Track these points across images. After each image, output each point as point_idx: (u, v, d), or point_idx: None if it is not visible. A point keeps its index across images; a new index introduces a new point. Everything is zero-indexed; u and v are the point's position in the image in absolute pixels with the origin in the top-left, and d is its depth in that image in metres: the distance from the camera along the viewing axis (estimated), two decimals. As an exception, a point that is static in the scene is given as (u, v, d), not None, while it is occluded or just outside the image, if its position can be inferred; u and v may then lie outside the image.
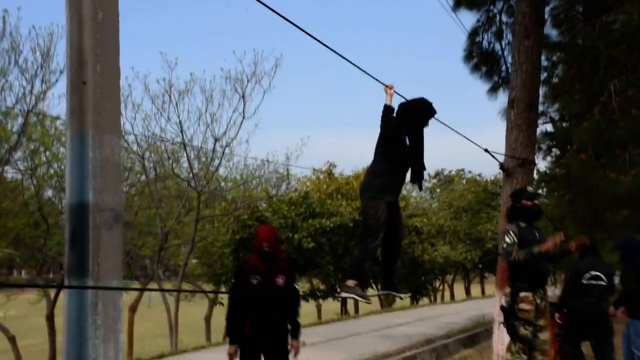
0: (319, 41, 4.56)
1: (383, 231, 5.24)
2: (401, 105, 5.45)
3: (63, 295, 3.11)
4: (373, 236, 5.21)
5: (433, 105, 5.45)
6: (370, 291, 5.81)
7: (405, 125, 5.32)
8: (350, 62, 5.07)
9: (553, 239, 6.15)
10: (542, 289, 6.30)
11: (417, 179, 5.48)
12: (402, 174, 5.40)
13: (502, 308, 6.37)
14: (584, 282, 7.55)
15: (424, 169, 5.52)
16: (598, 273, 7.59)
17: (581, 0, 10.90)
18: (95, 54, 3.15)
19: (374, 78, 5.36)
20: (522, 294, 6.17)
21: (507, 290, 6.32)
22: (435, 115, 5.51)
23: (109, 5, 3.22)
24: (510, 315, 6.21)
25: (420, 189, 5.73)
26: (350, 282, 5.22)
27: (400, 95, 5.52)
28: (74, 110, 3.14)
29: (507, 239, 6.28)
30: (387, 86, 5.41)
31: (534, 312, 6.19)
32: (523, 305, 6.13)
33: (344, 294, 5.21)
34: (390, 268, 5.56)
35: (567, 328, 7.79)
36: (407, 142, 5.33)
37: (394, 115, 5.33)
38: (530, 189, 6.60)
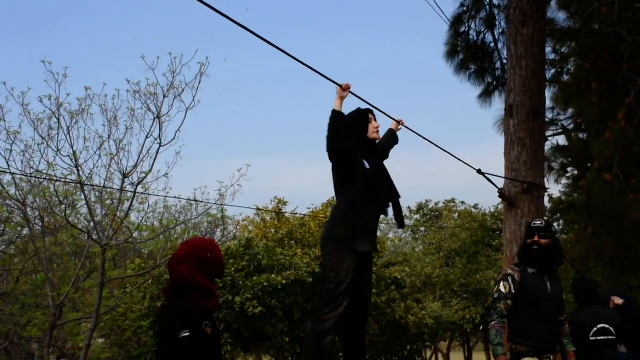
0: (256, 35, 4.54)
1: (346, 299, 5.18)
2: None
3: None
4: (331, 305, 5.16)
5: (361, 110, 5.63)
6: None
7: (355, 145, 5.39)
8: (300, 62, 5.08)
9: None
10: (551, 354, 6.31)
11: (386, 206, 5.49)
12: (371, 207, 5.37)
13: None
14: (592, 338, 7.58)
15: (398, 195, 5.52)
16: (606, 325, 7.65)
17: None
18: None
19: (325, 77, 5.39)
20: (524, 359, 6.17)
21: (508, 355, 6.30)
22: (405, 126, 5.64)
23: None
24: None
25: (401, 225, 5.72)
26: None
27: (358, 97, 5.60)
28: None
29: (501, 287, 6.28)
30: (341, 86, 5.43)
31: None
32: None
33: None
34: (357, 346, 5.49)
35: None
36: (367, 165, 5.36)
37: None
38: (537, 221, 6.58)
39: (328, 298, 5.18)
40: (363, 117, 5.57)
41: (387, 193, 5.46)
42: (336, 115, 5.31)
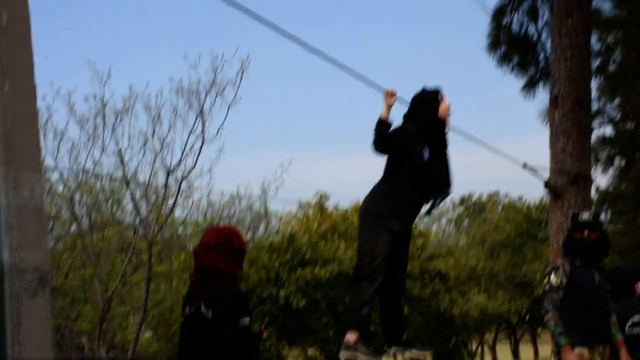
0: (297, 40, 4.62)
1: (381, 274, 5.25)
2: (404, 116, 5.51)
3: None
4: (367, 279, 5.23)
5: (428, 89, 5.50)
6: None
7: (420, 131, 5.33)
8: (340, 64, 5.14)
9: None
10: (601, 345, 6.31)
11: (432, 197, 5.50)
12: (416, 196, 5.39)
13: None
14: (627, 333, 7.48)
15: (448, 188, 5.52)
16: None
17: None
18: (1, 67, 3.15)
19: (370, 82, 5.43)
20: (575, 350, 6.16)
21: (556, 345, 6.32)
22: (450, 109, 5.53)
23: (16, 5, 3.23)
24: None
25: (429, 211, 5.71)
26: (351, 337, 5.23)
27: (408, 103, 5.56)
28: (-22, 142, 3.14)
29: (552, 279, 6.30)
30: (387, 92, 5.43)
31: None
32: None
33: (343, 355, 5.20)
34: (396, 321, 5.59)
35: None
36: (426, 155, 5.34)
37: (397, 128, 5.37)
38: (585, 214, 6.56)
39: (365, 272, 5.24)
40: (431, 98, 5.44)
41: (437, 188, 5.45)
42: (380, 124, 5.31)
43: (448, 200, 5.70)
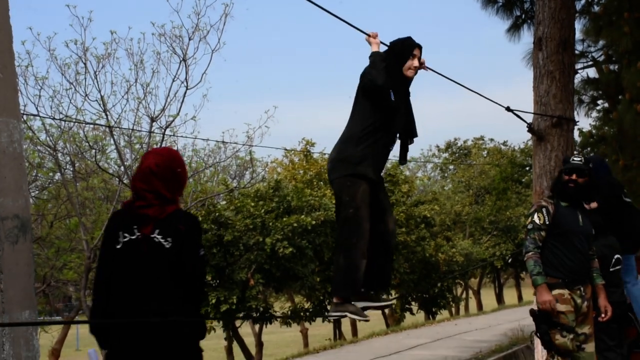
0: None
1: (368, 222, 5.08)
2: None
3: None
4: (357, 232, 5.04)
5: (411, 40, 5.44)
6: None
7: (388, 76, 5.24)
8: (321, 7, 5.08)
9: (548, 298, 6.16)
10: (582, 285, 6.41)
11: (401, 140, 5.47)
12: (386, 138, 5.29)
13: (531, 312, 6.47)
14: (611, 269, 7.64)
15: (414, 134, 5.49)
16: (619, 255, 7.69)
17: None
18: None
19: (353, 26, 5.39)
20: (555, 292, 6.26)
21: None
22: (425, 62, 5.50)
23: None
24: (542, 319, 6.30)
25: (403, 161, 5.68)
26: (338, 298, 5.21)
27: (387, 45, 5.55)
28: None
29: (535, 218, 6.38)
30: (370, 35, 5.43)
31: (573, 314, 6.29)
32: (557, 306, 6.23)
33: (333, 314, 5.16)
34: (384, 273, 5.44)
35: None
36: (392, 96, 5.25)
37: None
38: (575, 158, 6.64)
39: (352, 225, 5.06)
40: (406, 49, 5.35)
41: (401, 131, 5.39)
42: (376, 56, 5.28)
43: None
